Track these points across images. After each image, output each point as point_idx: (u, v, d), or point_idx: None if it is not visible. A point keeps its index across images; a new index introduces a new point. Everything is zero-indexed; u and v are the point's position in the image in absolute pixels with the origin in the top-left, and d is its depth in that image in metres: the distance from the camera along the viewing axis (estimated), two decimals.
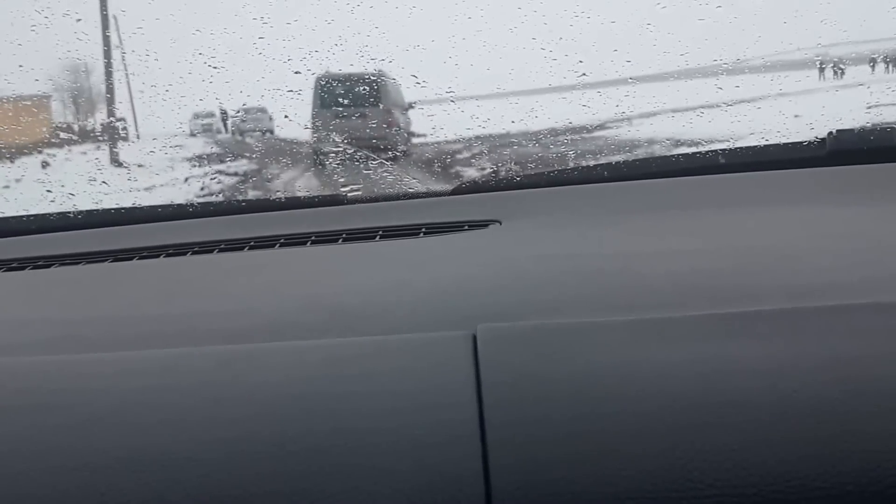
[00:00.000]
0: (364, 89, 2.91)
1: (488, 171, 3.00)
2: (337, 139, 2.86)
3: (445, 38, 2.33)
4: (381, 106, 3.05)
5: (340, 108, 2.94)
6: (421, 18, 2.32)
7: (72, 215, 1.79)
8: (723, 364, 0.76)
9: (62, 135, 3.73)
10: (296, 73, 2.27)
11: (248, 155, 4.35)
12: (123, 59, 2.73)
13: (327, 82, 2.94)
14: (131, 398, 0.79)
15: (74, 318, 1.16)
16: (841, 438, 0.67)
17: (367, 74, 2.82)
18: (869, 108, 2.57)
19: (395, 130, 3.28)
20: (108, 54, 2.82)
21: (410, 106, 3.34)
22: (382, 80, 2.94)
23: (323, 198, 1.80)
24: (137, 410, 0.77)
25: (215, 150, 4.57)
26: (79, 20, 2.21)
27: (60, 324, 1.12)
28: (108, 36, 2.78)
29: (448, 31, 2.33)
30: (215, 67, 2.21)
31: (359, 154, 2.60)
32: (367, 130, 2.91)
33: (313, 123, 3.05)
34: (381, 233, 1.44)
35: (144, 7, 2.36)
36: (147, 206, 1.80)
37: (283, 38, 2.32)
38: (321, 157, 2.83)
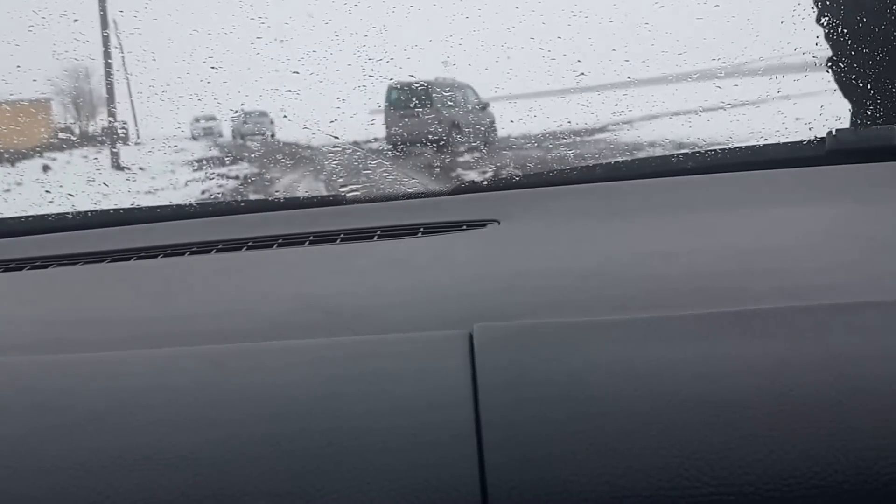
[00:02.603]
0: (428, 94, 3.14)
1: (487, 171, 3.02)
2: (405, 138, 3.09)
3: (442, 39, 2.33)
4: (442, 108, 3.21)
5: (407, 111, 3.10)
6: (418, 19, 2.32)
7: (70, 216, 1.80)
8: (719, 363, 0.76)
9: (62, 136, 3.72)
10: (294, 73, 2.27)
11: (249, 158, 4.35)
12: (123, 61, 2.74)
13: (397, 89, 3.11)
14: (129, 398, 0.80)
15: (72, 318, 1.16)
16: (837, 436, 0.67)
17: (429, 82, 3.06)
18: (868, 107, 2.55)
19: (463, 130, 3.44)
20: (107, 55, 2.82)
21: (485, 105, 3.50)
22: (446, 86, 3.14)
23: (322, 198, 1.80)
24: (135, 410, 0.78)
25: (215, 152, 4.56)
26: (76, 21, 2.20)
27: (58, 324, 1.13)
28: (106, 37, 2.78)
29: (445, 32, 2.33)
30: (213, 68, 2.21)
31: (423, 149, 2.85)
32: (431, 130, 3.07)
33: (385, 124, 3.23)
34: (379, 232, 1.45)
35: (141, 8, 2.35)
36: (145, 207, 1.81)
37: (280, 39, 2.32)
38: (391, 152, 3.03)
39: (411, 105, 3.11)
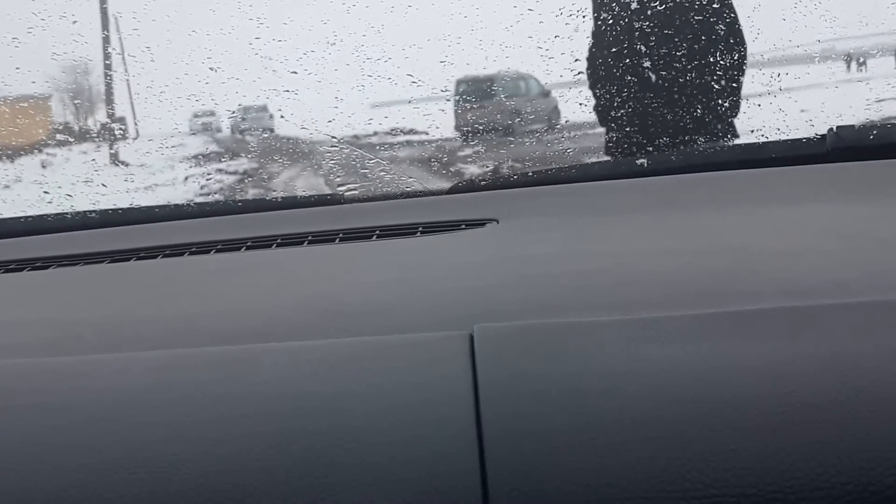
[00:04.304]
0: (492, 87, 3.35)
1: (485, 169, 3.04)
2: (473, 126, 3.19)
3: (440, 38, 2.34)
4: (505, 98, 3.37)
5: (474, 102, 3.31)
6: (416, 18, 2.32)
7: (70, 216, 1.81)
8: (721, 364, 0.75)
9: (60, 136, 3.73)
10: (292, 73, 2.28)
11: (247, 154, 4.36)
12: (123, 61, 2.74)
13: (465, 82, 3.27)
14: (129, 399, 0.80)
15: (72, 319, 1.16)
16: (839, 438, 0.66)
17: (493, 75, 3.28)
18: (870, 103, 2.56)
19: (528, 117, 3.61)
20: (106, 55, 2.83)
21: (547, 92, 3.65)
22: (509, 77, 3.28)
23: (320, 197, 1.81)
24: (135, 411, 0.78)
25: (214, 148, 4.57)
26: (75, 22, 2.21)
27: (59, 325, 1.13)
28: (106, 37, 2.79)
29: (443, 31, 2.33)
30: (212, 69, 2.21)
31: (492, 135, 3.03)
32: (495, 118, 3.30)
33: (455, 114, 3.38)
34: (377, 232, 1.44)
35: (140, 9, 2.36)
36: (145, 207, 1.81)
37: (278, 39, 2.33)
38: (462, 139, 3.23)
39: (479, 97, 3.26)
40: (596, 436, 0.68)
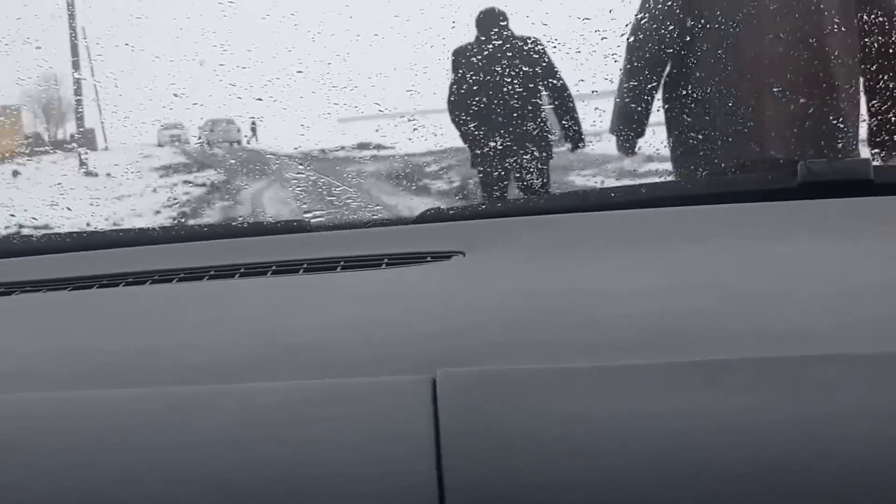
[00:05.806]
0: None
1: (455, 186, 3.07)
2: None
3: (406, 67, 2.35)
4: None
5: None
6: (382, 47, 2.33)
7: (35, 239, 1.78)
8: (687, 417, 0.75)
9: (26, 152, 3.73)
10: (258, 99, 2.27)
11: (215, 166, 4.38)
12: (79, 83, 2.74)
13: None
14: (80, 440, 0.79)
15: (29, 350, 1.14)
16: (809, 497, 0.66)
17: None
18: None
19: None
20: (77, 82, 2.82)
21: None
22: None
23: (286, 224, 1.79)
24: (85, 453, 0.77)
25: (182, 160, 4.59)
26: (38, 48, 2.20)
27: (15, 357, 1.11)
28: (75, 61, 2.78)
29: (409, 60, 2.34)
30: (176, 95, 2.20)
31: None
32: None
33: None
34: (342, 263, 1.43)
35: (104, 35, 2.36)
36: (109, 231, 1.80)
37: (243, 66, 2.32)
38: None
39: None
40: (559, 489, 0.68)
